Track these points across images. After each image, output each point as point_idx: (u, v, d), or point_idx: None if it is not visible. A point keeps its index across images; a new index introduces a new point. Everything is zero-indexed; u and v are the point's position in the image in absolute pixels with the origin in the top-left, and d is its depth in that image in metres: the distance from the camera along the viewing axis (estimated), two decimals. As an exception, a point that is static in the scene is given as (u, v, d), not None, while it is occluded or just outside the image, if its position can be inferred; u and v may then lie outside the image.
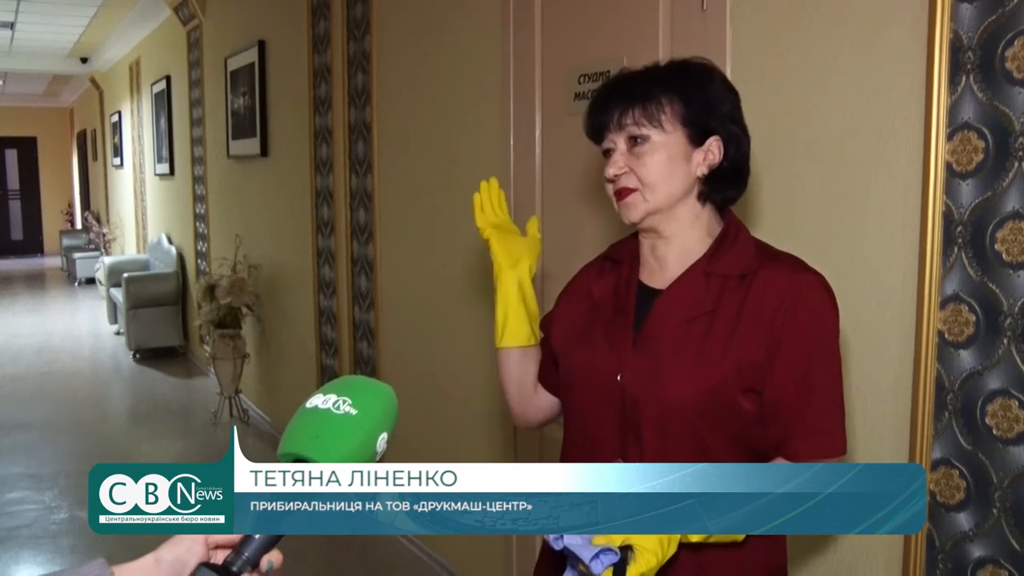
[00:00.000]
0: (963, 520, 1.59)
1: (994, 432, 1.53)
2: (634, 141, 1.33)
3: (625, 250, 1.46)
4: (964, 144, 1.54)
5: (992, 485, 1.54)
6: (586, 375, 1.39)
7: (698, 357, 1.30)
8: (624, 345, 1.35)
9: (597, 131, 1.39)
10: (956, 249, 1.56)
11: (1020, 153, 1.47)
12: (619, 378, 1.34)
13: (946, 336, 1.59)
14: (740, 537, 1.21)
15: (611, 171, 1.35)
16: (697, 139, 1.34)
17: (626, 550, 1.13)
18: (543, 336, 1.53)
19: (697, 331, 1.31)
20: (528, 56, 2.65)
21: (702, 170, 1.35)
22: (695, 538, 1.17)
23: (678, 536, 1.16)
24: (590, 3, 2.40)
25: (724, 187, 1.38)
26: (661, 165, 1.33)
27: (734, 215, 1.42)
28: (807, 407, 1.29)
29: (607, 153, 1.38)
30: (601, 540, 1.12)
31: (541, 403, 1.55)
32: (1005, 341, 1.51)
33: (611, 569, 1.12)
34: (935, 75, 1.57)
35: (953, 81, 1.55)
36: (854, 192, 1.75)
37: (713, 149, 1.35)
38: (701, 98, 1.34)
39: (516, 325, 1.50)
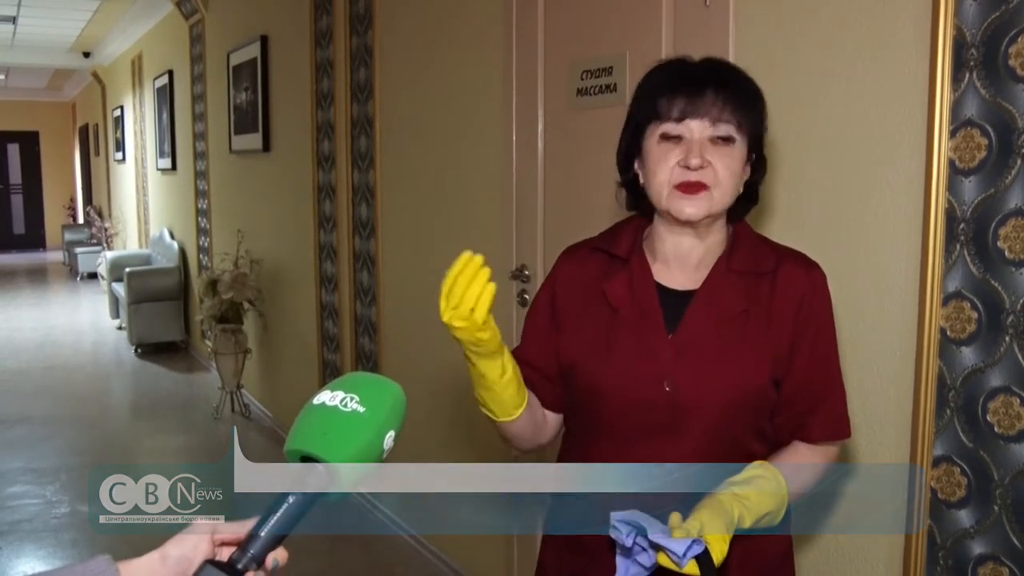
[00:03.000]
0: (964, 517, 1.59)
1: (995, 429, 1.53)
2: (717, 138, 1.30)
3: (625, 244, 1.42)
4: (967, 141, 1.54)
5: (993, 482, 1.54)
6: (621, 385, 1.35)
7: (740, 356, 1.32)
8: (663, 351, 1.33)
9: (678, 114, 1.30)
10: (958, 246, 1.56)
11: (1023, 150, 1.47)
12: (667, 386, 1.32)
13: (948, 333, 1.59)
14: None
15: (696, 161, 1.28)
16: (750, 153, 1.35)
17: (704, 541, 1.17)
18: (545, 354, 1.45)
19: (732, 331, 1.33)
20: (531, 51, 2.64)
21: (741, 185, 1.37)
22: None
23: (736, 522, 1.20)
24: (592, -2, 2.40)
25: (740, 205, 1.39)
26: (739, 170, 1.33)
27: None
28: (826, 395, 1.37)
29: (669, 137, 1.31)
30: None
31: (551, 426, 1.49)
32: (1007, 338, 1.50)
33: (694, 561, 1.15)
34: (938, 72, 1.56)
35: (956, 78, 1.55)
36: (857, 188, 1.74)
37: (750, 166, 1.37)
38: (762, 114, 1.36)
39: (517, 395, 1.34)
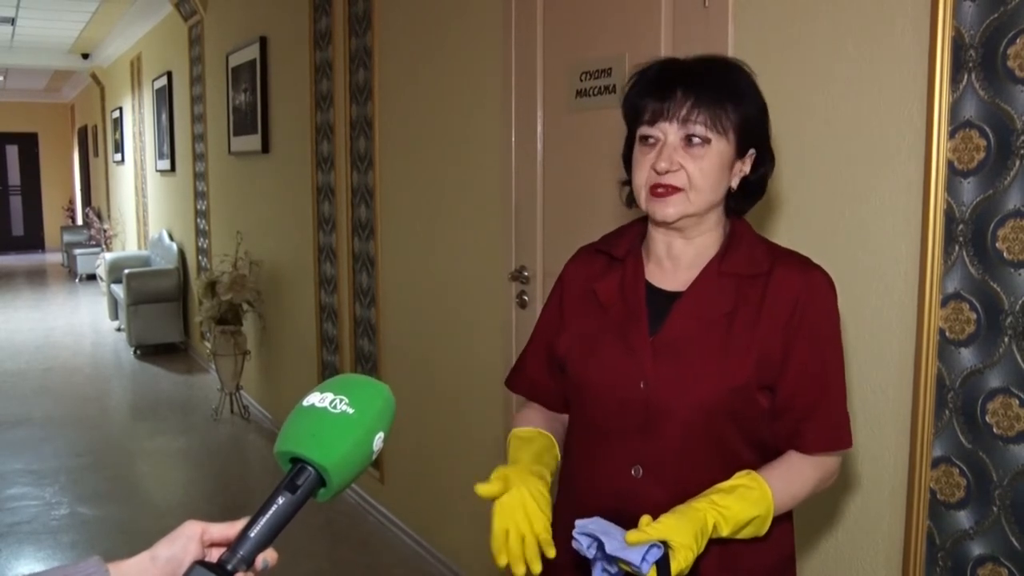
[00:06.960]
0: (963, 518, 1.59)
1: (994, 430, 1.53)
2: (690, 140, 1.29)
3: (624, 245, 1.43)
4: (966, 142, 1.54)
5: (992, 483, 1.54)
6: (603, 383, 1.36)
7: (723, 359, 1.30)
8: (643, 351, 1.33)
9: (650, 117, 1.31)
10: (957, 247, 1.56)
11: (1021, 151, 1.47)
12: (642, 385, 1.32)
13: (947, 334, 1.59)
14: (763, 531, 1.26)
15: (663, 164, 1.29)
16: (741, 150, 1.33)
17: (665, 546, 1.15)
18: (550, 345, 1.48)
19: (717, 332, 1.31)
20: (530, 52, 2.65)
21: (736, 181, 1.35)
22: (724, 532, 1.22)
23: (710, 530, 1.20)
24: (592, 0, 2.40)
25: (743, 200, 1.39)
26: (714, 170, 1.30)
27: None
28: (821, 402, 1.32)
29: (646, 140, 1.32)
30: (635, 537, 1.15)
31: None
32: (1006, 339, 1.51)
33: (654, 567, 1.14)
34: (937, 73, 1.56)
35: (955, 79, 1.55)
36: (856, 189, 1.74)
37: (747, 162, 1.35)
38: (755, 110, 1.33)
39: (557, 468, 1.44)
